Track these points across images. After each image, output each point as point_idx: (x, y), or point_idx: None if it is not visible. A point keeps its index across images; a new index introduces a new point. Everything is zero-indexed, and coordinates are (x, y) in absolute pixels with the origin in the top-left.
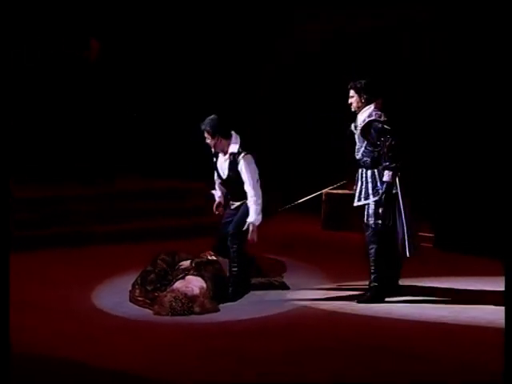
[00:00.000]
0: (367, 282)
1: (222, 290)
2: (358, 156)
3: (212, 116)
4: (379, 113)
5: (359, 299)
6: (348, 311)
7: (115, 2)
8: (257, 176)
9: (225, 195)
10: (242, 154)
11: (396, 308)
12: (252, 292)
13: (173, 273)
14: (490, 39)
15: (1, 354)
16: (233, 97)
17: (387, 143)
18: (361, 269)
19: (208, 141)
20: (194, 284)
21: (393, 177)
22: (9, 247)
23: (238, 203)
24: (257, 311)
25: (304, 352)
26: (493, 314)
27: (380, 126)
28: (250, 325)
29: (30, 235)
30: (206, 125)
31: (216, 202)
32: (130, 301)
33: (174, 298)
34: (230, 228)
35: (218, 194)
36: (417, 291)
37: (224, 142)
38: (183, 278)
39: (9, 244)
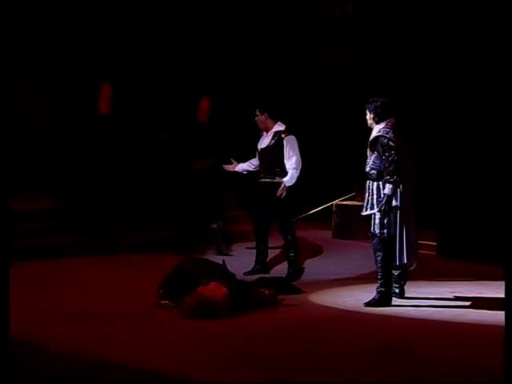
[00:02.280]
0: (375, 287)
1: (243, 296)
2: (367, 169)
3: (266, 97)
4: (387, 130)
5: (366, 303)
6: (359, 315)
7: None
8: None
9: (255, 169)
10: (288, 133)
11: (403, 311)
12: None
13: (197, 278)
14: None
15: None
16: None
17: (390, 158)
18: (369, 274)
19: (256, 118)
20: (216, 290)
21: (393, 190)
22: (8, 253)
23: (267, 179)
24: (272, 314)
25: (317, 355)
26: (492, 317)
27: (386, 141)
28: (267, 328)
29: (57, 242)
30: (258, 103)
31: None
32: (155, 303)
33: (197, 301)
34: (279, 223)
35: (241, 165)
36: (422, 296)
37: (269, 121)
38: (207, 283)
39: (8, 250)
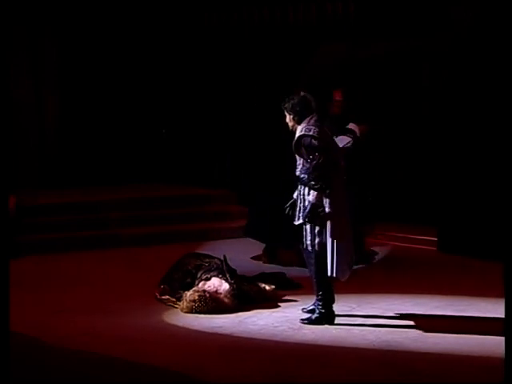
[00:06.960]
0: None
1: (243, 292)
2: (297, 173)
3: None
4: (310, 127)
5: (303, 320)
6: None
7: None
8: None
9: None
10: None
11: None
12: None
13: (198, 273)
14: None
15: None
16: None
17: (314, 162)
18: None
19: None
20: (218, 285)
21: (318, 197)
22: (8, 250)
23: None
24: (273, 310)
25: (320, 350)
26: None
27: (309, 140)
28: (267, 323)
29: (63, 237)
30: None
31: None
32: (157, 299)
33: (199, 296)
34: None
35: None
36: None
37: None
38: (209, 279)
39: (8, 247)
